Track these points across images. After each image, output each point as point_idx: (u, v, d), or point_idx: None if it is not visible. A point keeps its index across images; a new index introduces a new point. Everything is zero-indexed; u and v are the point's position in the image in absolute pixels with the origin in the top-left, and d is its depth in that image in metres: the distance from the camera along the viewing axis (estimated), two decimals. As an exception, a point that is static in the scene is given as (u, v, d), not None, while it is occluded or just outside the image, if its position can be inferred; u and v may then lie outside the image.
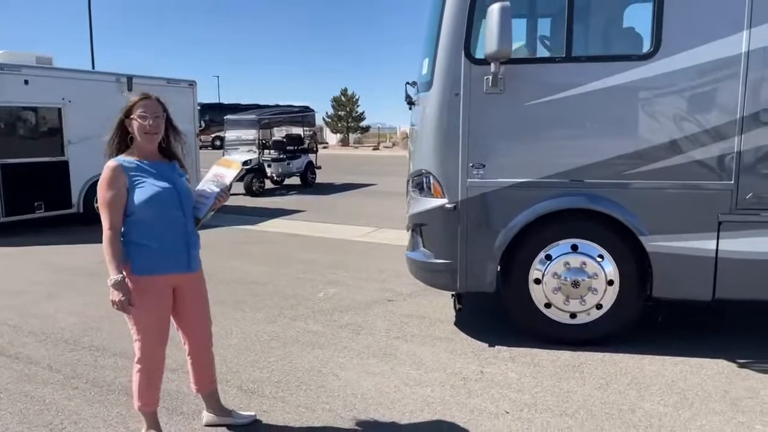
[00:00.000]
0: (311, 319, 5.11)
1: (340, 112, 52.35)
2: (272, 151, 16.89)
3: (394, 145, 48.64)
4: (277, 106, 30.46)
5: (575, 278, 4.30)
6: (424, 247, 4.70)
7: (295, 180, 17.42)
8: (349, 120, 52.19)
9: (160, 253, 2.86)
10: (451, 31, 4.22)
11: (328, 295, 5.87)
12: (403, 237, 9.03)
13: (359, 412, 3.43)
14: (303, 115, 18.99)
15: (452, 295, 4.98)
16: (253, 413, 3.35)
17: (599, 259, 4.29)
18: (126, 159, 2.86)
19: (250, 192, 15.04)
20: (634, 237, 4.21)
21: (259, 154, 15.86)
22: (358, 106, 52.83)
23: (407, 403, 3.54)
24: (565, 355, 4.23)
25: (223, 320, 4.97)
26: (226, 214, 11.91)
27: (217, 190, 3.01)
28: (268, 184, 16.40)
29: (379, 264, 7.17)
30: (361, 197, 14.91)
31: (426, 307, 5.40)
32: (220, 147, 22.68)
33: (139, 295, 2.79)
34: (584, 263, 4.30)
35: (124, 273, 2.76)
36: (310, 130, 19.13)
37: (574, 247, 4.32)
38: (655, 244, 4.16)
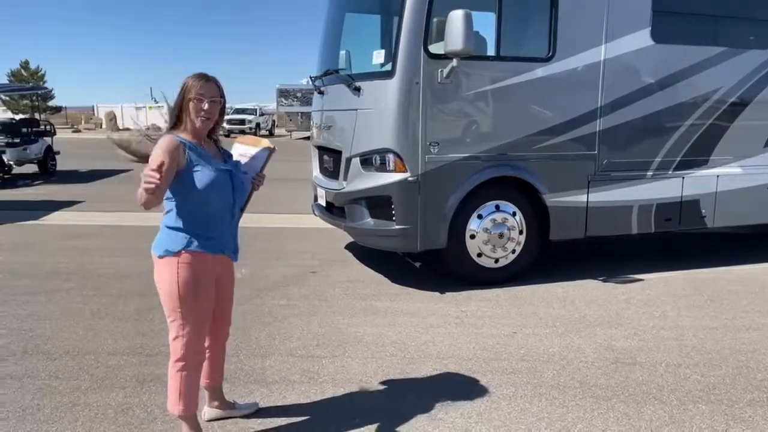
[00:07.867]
0: (267, 297, 5.29)
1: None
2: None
3: (96, 126, 44.01)
4: None
5: (500, 231, 5.50)
6: (372, 217, 5.37)
7: (29, 168, 15.16)
8: (34, 98, 45.02)
9: (214, 241, 2.77)
10: (412, 31, 4.96)
11: (245, 275, 5.97)
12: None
13: (415, 352, 4.04)
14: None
15: (403, 255, 5.73)
16: (256, 401, 3.33)
17: (513, 215, 5.56)
18: (183, 138, 2.69)
19: (-13, 184, 12.71)
20: (536, 196, 5.58)
21: (-6, 138, 13.42)
22: (44, 82, 46.06)
23: (442, 340, 4.27)
24: (500, 292, 5.41)
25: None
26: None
27: (251, 174, 2.91)
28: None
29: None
30: (131, 184, 13.81)
31: (355, 274, 6.00)
32: None
33: (195, 275, 2.69)
34: (505, 219, 5.52)
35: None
36: None
37: (497, 207, 5.51)
38: (552, 200, 5.60)
